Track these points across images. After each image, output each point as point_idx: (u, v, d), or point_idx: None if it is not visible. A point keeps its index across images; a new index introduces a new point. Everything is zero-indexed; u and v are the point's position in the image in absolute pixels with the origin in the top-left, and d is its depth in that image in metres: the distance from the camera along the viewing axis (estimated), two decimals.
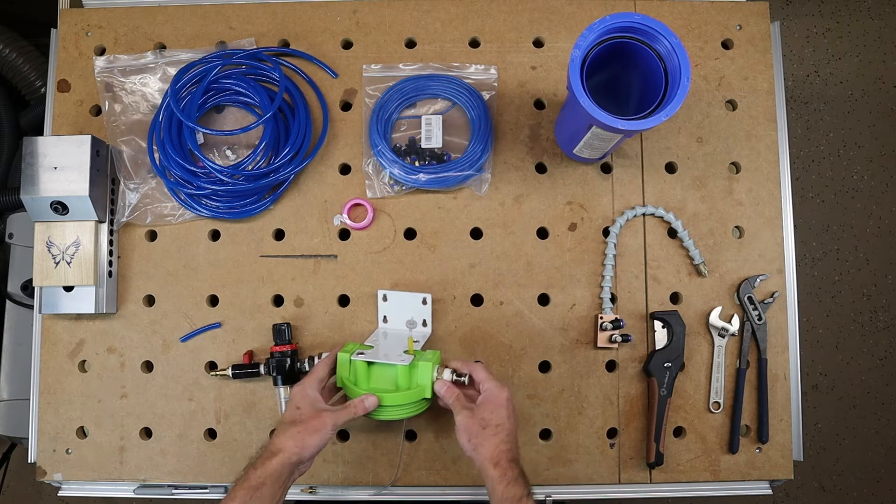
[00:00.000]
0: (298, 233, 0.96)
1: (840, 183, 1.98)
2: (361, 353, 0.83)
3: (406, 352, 0.85)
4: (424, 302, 0.92)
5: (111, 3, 1.02)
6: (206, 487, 0.94)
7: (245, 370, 0.91)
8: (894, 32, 2.03)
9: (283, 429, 0.76)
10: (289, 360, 0.90)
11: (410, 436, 0.94)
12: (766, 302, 0.95)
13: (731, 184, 0.97)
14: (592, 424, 0.94)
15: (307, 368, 0.90)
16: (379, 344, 0.88)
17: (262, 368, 0.91)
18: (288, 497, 0.92)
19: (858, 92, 2.00)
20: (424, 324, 0.93)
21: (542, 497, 0.94)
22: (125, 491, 0.95)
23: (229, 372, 0.91)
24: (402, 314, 0.93)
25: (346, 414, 0.78)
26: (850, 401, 1.92)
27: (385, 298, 0.93)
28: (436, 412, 0.89)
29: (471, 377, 0.83)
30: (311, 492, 0.94)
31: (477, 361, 0.88)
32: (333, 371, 0.84)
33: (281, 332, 0.91)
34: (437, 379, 0.82)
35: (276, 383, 0.90)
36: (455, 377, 0.83)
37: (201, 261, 0.96)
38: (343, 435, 0.94)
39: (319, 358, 0.88)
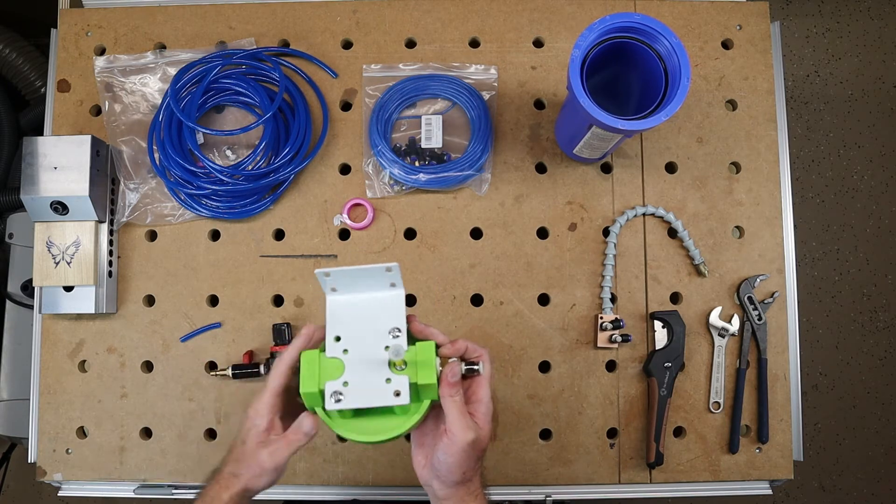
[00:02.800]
0: (298, 233, 0.96)
1: (840, 183, 1.98)
2: (339, 396, 0.60)
3: (392, 365, 0.61)
4: (389, 270, 0.63)
5: (111, 3, 1.02)
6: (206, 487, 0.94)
7: (245, 370, 0.91)
8: (894, 32, 2.03)
9: (230, 462, 0.65)
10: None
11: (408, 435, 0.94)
12: (766, 302, 0.95)
13: (731, 184, 0.97)
14: (592, 424, 0.94)
15: None
16: (350, 346, 0.63)
17: (262, 368, 0.91)
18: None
19: (858, 92, 2.00)
20: (394, 285, 0.65)
21: (542, 497, 0.94)
22: (125, 491, 0.95)
23: (229, 372, 0.91)
24: (360, 284, 0.65)
25: (287, 450, 0.62)
26: (850, 401, 1.92)
27: (328, 275, 0.63)
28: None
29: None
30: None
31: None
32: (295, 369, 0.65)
33: (281, 332, 0.92)
34: (445, 364, 0.62)
35: None
36: (465, 366, 0.63)
37: (201, 261, 0.96)
38: None
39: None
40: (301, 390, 0.61)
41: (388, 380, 0.61)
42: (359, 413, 0.62)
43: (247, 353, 0.94)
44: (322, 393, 0.61)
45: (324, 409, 0.61)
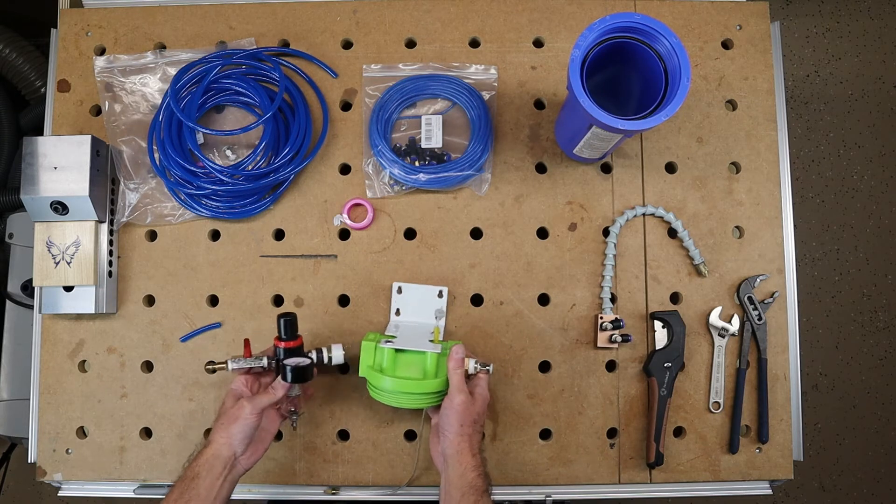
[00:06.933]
0: (298, 233, 0.96)
1: (840, 183, 1.98)
2: (389, 342, 0.84)
3: (432, 341, 0.87)
4: (440, 295, 0.94)
5: (111, 3, 1.02)
6: None
7: (245, 364, 0.83)
8: (894, 32, 2.03)
9: (214, 424, 0.80)
10: (307, 359, 0.82)
11: (410, 436, 0.94)
12: (766, 302, 0.95)
13: (731, 184, 0.97)
14: (592, 424, 0.94)
15: (314, 358, 0.84)
16: (400, 334, 0.88)
17: (265, 361, 0.83)
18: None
19: (858, 92, 2.00)
20: (438, 316, 0.94)
21: (542, 497, 0.94)
22: (125, 491, 0.95)
23: (228, 365, 0.83)
24: (416, 307, 0.94)
25: (266, 397, 0.79)
26: (850, 401, 1.92)
27: (400, 291, 0.94)
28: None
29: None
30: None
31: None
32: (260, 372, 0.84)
33: (288, 325, 0.82)
34: (456, 345, 0.83)
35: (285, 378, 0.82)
36: (479, 366, 0.84)
37: (201, 261, 0.96)
38: (343, 435, 0.94)
39: (329, 351, 0.86)
40: (363, 341, 0.84)
41: (425, 342, 0.85)
42: (403, 363, 0.84)
43: (246, 342, 0.85)
44: (378, 347, 0.84)
45: (375, 348, 0.84)
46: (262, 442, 0.82)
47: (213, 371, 0.84)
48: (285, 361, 0.81)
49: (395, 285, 0.94)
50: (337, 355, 0.86)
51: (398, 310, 0.94)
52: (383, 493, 0.94)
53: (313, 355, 0.84)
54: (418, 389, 0.81)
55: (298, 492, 0.95)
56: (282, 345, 0.82)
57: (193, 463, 0.76)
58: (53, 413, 0.95)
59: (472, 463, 0.77)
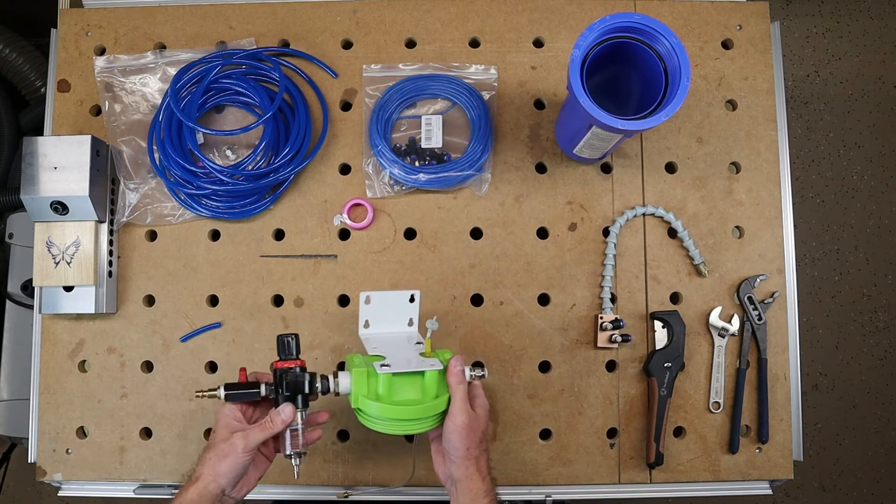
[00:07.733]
0: (298, 233, 0.96)
1: (840, 183, 1.98)
2: (386, 366, 0.73)
3: (423, 354, 0.77)
4: (412, 299, 0.83)
5: (111, 3, 1.02)
6: None
7: (240, 391, 0.75)
8: (894, 32, 2.03)
9: (201, 454, 0.73)
10: (306, 378, 0.75)
11: (409, 436, 0.94)
12: (766, 302, 0.95)
13: (731, 184, 0.97)
14: (592, 424, 0.94)
15: (319, 386, 0.76)
16: (384, 350, 0.78)
17: (263, 388, 0.75)
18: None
19: (858, 92, 2.00)
20: (410, 323, 0.85)
21: (542, 497, 0.94)
22: (125, 491, 0.95)
23: (220, 393, 0.74)
24: (387, 315, 0.83)
25: (260, 432, 0.72)
26: (850, 401, 1.92)
27: (368, 301, 0.82)
28: None
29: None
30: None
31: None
32: (254, 394, 0.75)
33: (286, 345, 0.76)
34: (454, 356, 0.76)
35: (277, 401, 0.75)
36: (474, 374, 0.77)
37: (201, 261, 0.96)
38: (343, 435, 0.94)
39: (336, 377, 0.76)
40: (353, 370, 0.74)
41: (418, 359, 0.76)
42: (399, 386, 0.74)
43: (242, 371, 0.78)
44: (376, 374, 0.73)
45: (368, 376, 0.74)
46: (256, 470, 0.76)
47: (203, 397, 0.76)
48: (282, 376, 0.75)
49: (363, 295, 0.81)
50: (344, 384, 0.76)
51: (367, 321, 0.83)
52: (390, 493, 0.94)
53: (318, 383, 0.76)
54: (421, 415, 0.73)
55: (299, 492, 0.95)
56: (281, 366, 0.75)
57: (178, 499, 0.71)
58: (53, 413, 0.95)
59: (482, 488, 0.73)
